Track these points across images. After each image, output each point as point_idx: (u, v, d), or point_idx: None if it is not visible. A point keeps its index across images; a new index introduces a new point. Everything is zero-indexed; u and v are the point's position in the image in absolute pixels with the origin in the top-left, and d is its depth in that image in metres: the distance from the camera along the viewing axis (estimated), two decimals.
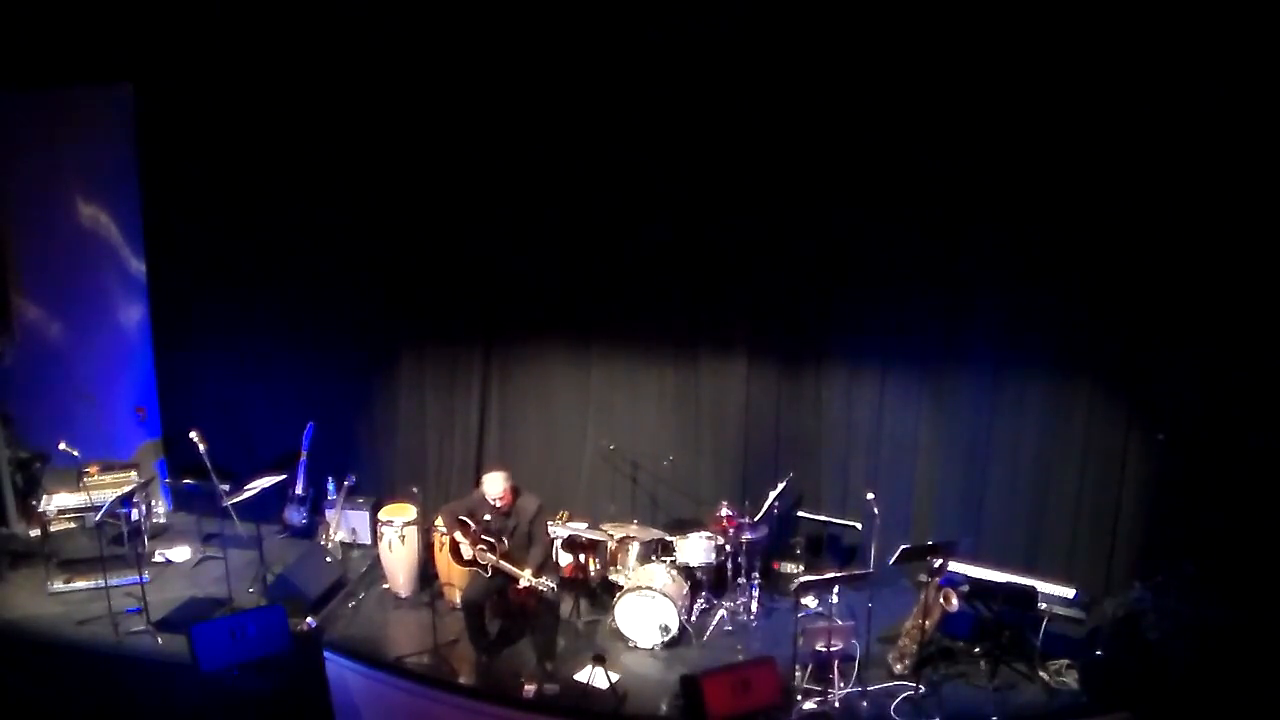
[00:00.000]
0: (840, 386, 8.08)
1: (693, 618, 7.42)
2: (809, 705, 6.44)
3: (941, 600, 6.58)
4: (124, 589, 7.40)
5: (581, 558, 7.67)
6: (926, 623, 6.63)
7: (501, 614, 7.23)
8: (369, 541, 8.47)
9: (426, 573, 7.84)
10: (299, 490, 8.57)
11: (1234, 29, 6.46)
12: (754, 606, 7.60)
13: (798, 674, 6.56)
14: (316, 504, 8.67)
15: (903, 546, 6.74)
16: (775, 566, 7.94)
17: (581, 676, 6.67)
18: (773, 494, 7.69)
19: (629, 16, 7.44)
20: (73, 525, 8.05)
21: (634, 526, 7.92)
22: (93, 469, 8.16)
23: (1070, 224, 7.21)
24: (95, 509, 7.40)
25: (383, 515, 7.87)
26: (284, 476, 8.13)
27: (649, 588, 7.07)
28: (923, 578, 6.92)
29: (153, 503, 8.77)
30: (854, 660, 6.69)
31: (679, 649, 7.15)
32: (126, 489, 7.62)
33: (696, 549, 7.50)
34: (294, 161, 8.39)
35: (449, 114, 8.11)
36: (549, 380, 8.62)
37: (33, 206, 8.80)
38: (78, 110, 8.64)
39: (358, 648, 6.99)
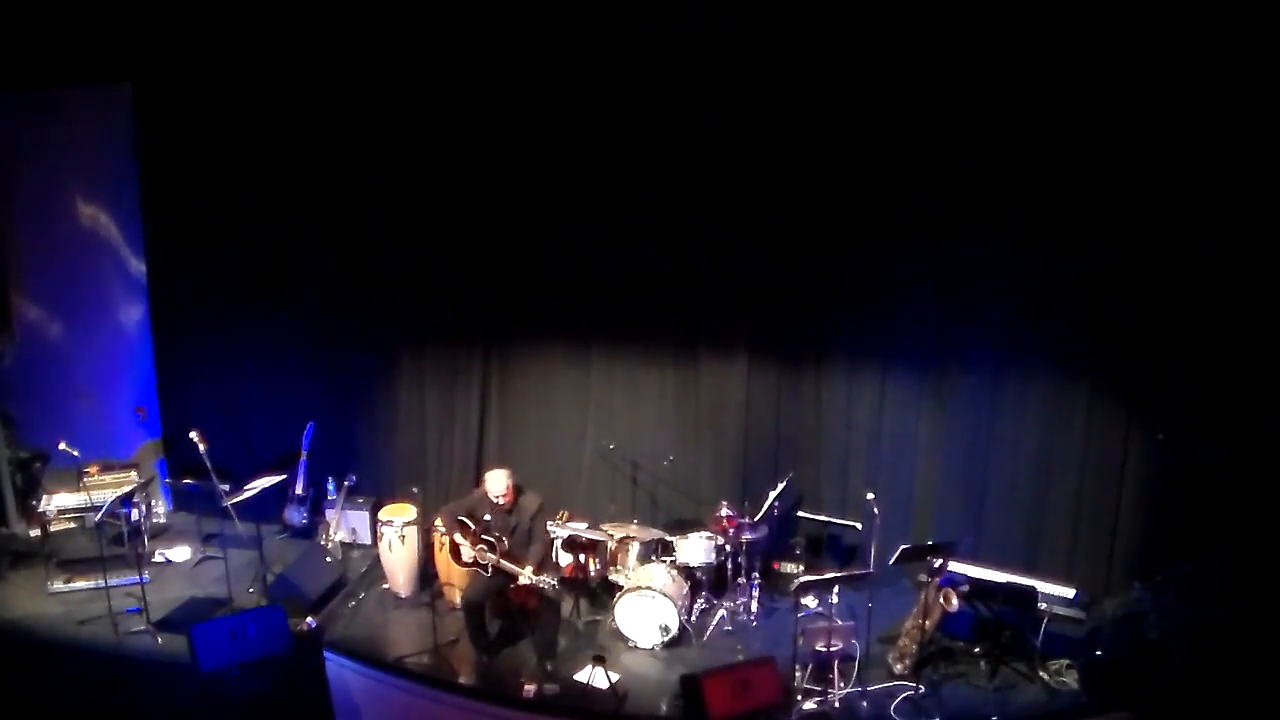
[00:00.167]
0: (840, 386, 8.08)
1: (693, 618, 7.42)
2: (809, 705, 6.44)
3: (941, 600, 6.58)
4: (124, 589, 7.39)
5: (581, 558, 7.67)
6: (926, 623, 6.63)
7: (501, 614, 7.22)
8: (369, 541, 8.47)
9: (426, 573, 7.84)
10: (299, 490, 8.58)
11: (1234, 30, 6.45)
12: (754, 606, 7.60)
13: (798, 674, 6.55)
14: (316, 504, 8.68)
15: (903, 546, 6.75)
16: (775, 566, 7.94)
17: (581, 676, 6.67)
18: (773, 494, 7.68)
19: (624, 14, 7.44)
20: (73, 525, 8.07)
21: (634, 526, 7.91)
22: (93, 469, 8.17)
23: (1070, 224, 7.21)
24: (95, 509, 7.41)
25: (383, 515, 7.87)
26: (284, 476, 8.14)
27: (649, 588, 7.07)
28: (923, 578, 6.93)
29: (153, 503, 8.77)
30: (854, 660, 6.69)
31: (679, 649, 7.15)
32: (126, 489, 7.63)
33: (696, 549, 7.50)
34: (294, 161, 8.39)
35: (449, 113, 8.11)
36: (549, 380, 8.62)
37: (33, 206, 8.80)
38: (78, 110, 8.64)
39: (358, 648, 6.99)
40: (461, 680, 6.79)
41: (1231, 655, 6.16)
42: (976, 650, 6.91)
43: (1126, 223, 7.08)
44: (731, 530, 7.51)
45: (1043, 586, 6.99)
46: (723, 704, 6.22)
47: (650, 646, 7.12)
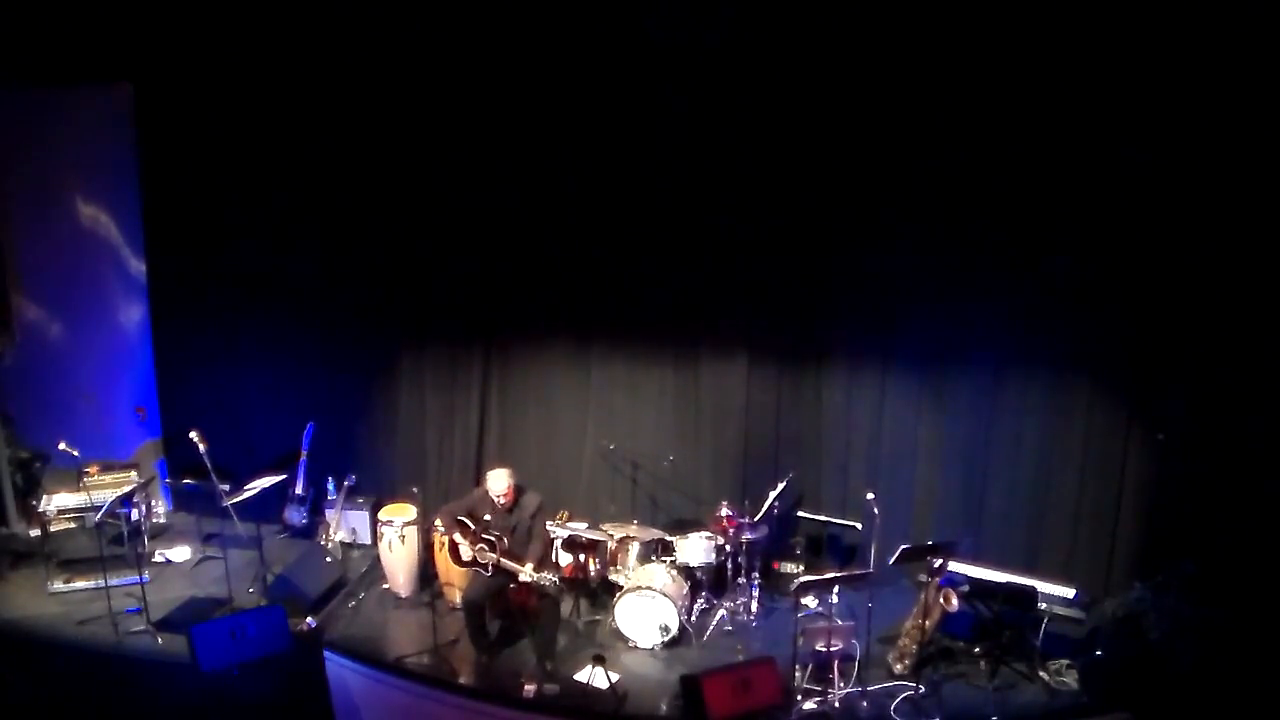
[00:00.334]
0: (840, 386, 8.08)
1: (693, 618, 7.42)
2: (809, 705, 6.44)
3: (941, 600, 6.58)
4: (124, 589, 7.39)
5: (581, 558, 7.67)
6: (926, 623, 6.63)
7: (501, 614, 7.23)
8: (369, 541, 8.47)
9: (426, 573, 7.84)
10: (299, 490, 8.58)
11: (1233, 30, 6.46)
12: (754, 606, 7.60)
13: (798, 674, 6.55)
14: (316, 504, 8.68)
15: (903, 546, 6.74)
16: (775, 566, 7.95)
17: (581, 676, 6.67)
18: (773, 494, 7.69)
19: (624, 14, 7.44)
20: (73, 525, 8.05)
21: (634, 526, 7.91)
22: (93, 469, 8.16)
23: (1070, 224, 7.21)
24: (95, 509, 7.40)
25: (383, 515, 7.87)
26: (284, 476, 8.14)
27: (649, 588, 7.07)
28: (923, 578, 6.93)
29: (153, 503, 8.76)
30: (854, 660, 6.69)
31: (679, 649, 7.15)
32: (126, 489, 7.62)
33: (696, 549, 7.50)
34: (294, 161, 8.38)
35: (449, 113, 8.11)
36: (549, 380, 8.62)
37: (33, 206, 8.79)
38: (78, 110, 8.63)
39: (358, 648, 6.99)
40: (461, 680, 6.79)
41: (1231, 655, 6.16)
42: (976, 650, 6.92)
43: (1126, 223, 7.08)
44: (731, 530, 7.51)
45: (1043, 586, 7.00)
46: (723, 704, 6.22)
47: (650, 646, 7.12)
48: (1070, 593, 7.07)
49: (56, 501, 8.08)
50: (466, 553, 6.87)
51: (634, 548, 7.64)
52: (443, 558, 7.38)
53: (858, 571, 7.43)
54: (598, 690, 6.48)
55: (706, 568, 7.59)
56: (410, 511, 7.80)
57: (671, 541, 7.72)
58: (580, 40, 7.63)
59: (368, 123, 8.21)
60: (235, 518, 7.84)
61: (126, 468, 8.45)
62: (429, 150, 8.20)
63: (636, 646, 7.14)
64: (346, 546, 8.46)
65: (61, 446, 7.72)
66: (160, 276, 8.88)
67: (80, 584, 7.62)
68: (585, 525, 7.90)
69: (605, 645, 7.14)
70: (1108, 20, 6.70)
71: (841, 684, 6.54)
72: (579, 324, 8.44)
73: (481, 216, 8.29)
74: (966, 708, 6.47)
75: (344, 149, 8.29)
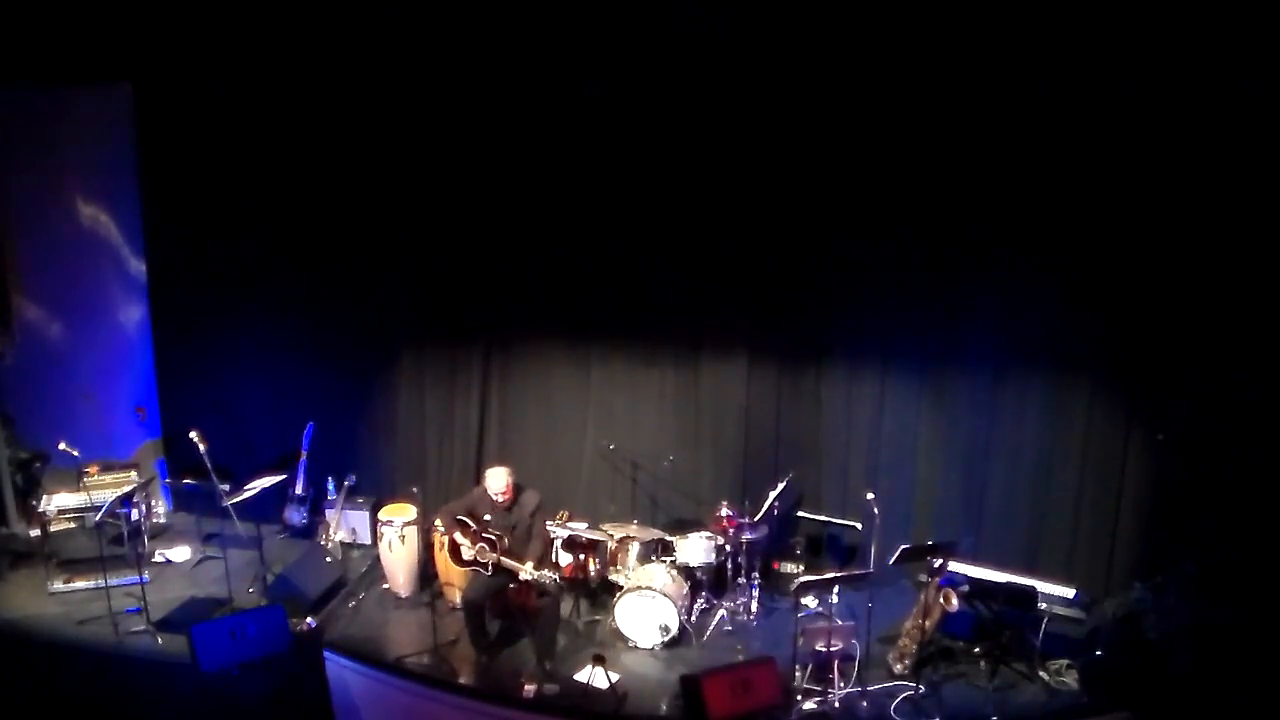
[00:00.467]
0: (840, 386, 8.08)
1: (693, 618, 7.42)
2: (809, 705, 6.45)
3: (941, 600, 6.58)
4: (124, 589, 7.39)
5: (581, 558, 7.67)
6: (926, 623, 6.63)
7: (501, 614, 7.23)
8: (369, 541, 8.47)
9: (426, 573, 7.84)
10: (299, 490, 8.57)
11: (1233, 31, 6.46)
12: (754, 606, 7.60)
13: (798, 674, 6.56)
14: (316, 504, 8.67)
15: (903, 546, 6.74)
16: (775, 566, 7.95)
17: (581, 676, 6.67)
18: (773, 494, 7.69)
19: (624, 14, 7.44)
20: (73, 525, 8.05)
21: (634, 526, 7.91)
22: (93, 469, 8.16)
23: (1071, 224, 7.21)
24: (95, 509, 7.40)
25: (383, 515, 7.87)
26: (284, 476, 8.14)
27: (649, 588, 7.07)
28: (923, 578, 6.94)
29: (153, 503, 8.76)
30: (854, 660, 6.69)
31: (679, 649, 7.15)
32: (126, 489, 7.61)
33: (696, 549, 7.50)
34: (293, 161, 8.38)
35: (449, 114, 8.10)
36: (549, 380, 8.62)
37: (33, 206, 8.79)
38: (78, 110, 8.63)
39: (358, 648, 6.99)
40: (461, 680, 6.79)
41: (1231, 655, 6.16)
42: (976, 650, 6.91)
43: (1126, 222, 7.08)
44: (731, 530, 7.51)
45: (1043, 586, 7.00)
46: (723, 704, 6.22)
47: (650, 646, 7.12)
48: (1070, 593, 7.07)
49: (56, 501, 8.08)
50: (467, 553, 6.87)
51: (634, 548, 7.63)
52: (443, 557, 7.38)
53: (858, 571, 7.43)
54: (598, 690, 6.48)
55: (706, 568, 7.59)
56: (410, 511, 7.80)
57: (671, 541, 7.72)
58: (580, 40, 7.62)
59: (367, 122, 8.20)
60: (235, 518, 7.84)
61: (126, 468, 8.44)
62: (428, 150, 8.20)
63: (636, 646, 7.14)
64: (346, 546, 8.45)
65: (61, 446, 7.72)
66: (160, 276, 8.88)
67: (80, 584, 7.61)
68: (585, 525, 7.90)
69: (605, 645, 7.14)
70: (1108, 21, 6.70)
71: (841, 684, 6.54)
72: (579, 324, 8.43)
73: (481, 216, 8.28)
74: (966, 708, 6.47)
75: (343, 149, 8.29)
